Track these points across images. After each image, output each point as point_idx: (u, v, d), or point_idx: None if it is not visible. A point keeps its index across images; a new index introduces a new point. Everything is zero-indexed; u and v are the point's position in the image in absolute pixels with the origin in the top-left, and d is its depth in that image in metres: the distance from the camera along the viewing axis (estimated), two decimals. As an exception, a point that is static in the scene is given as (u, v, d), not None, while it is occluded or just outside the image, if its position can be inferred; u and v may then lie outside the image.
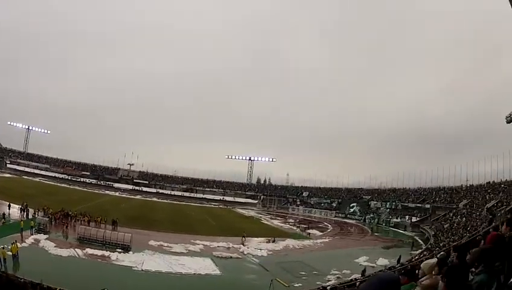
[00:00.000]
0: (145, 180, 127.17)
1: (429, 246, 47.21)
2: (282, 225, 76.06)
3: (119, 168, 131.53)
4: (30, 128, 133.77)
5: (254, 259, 39.78)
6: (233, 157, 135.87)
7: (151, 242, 40.50)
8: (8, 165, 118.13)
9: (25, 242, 33.87)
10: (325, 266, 37.20)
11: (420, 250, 46.43)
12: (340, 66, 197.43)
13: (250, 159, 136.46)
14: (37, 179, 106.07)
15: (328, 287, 19.04)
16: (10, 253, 27.58)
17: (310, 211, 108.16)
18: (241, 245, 45.17)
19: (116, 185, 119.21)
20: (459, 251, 7.77)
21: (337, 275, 33.94)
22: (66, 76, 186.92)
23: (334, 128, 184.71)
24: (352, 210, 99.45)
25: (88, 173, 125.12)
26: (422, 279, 5.43)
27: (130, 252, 35.34)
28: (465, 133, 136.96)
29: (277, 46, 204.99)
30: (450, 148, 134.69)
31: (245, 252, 42.20)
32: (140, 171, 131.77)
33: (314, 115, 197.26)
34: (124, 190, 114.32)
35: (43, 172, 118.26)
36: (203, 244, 42.99)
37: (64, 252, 32.50)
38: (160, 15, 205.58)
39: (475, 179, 76.02)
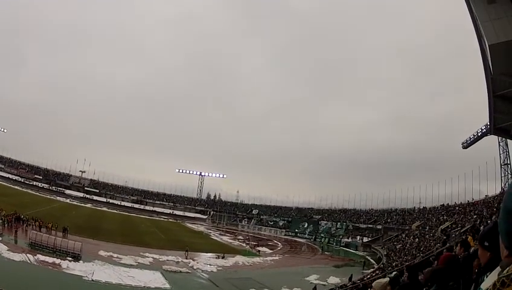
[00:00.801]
0: (96, 189, 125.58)
1: (381, 265, 48.59)
2: (232, 241, 76.12)
3: (71, 175, 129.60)
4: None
5: (204, 274, 39.75)
6: (184, 171, 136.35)
7: (101, 252, 39.92)
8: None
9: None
10: (275, 283, 37.42)
11: (372, 269, 47.64)
12: (288, 90, 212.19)
13: (200, 174, 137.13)
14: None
15: None
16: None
17: (259, 228, 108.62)
18: (191, 260, 45.13)
19: (68, 191, 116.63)
20: (411, 271, 8.13)
21: (287, 293, 34.27)
22: (23, 73, 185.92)
23: (283, 148, 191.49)
24: (302, 229, 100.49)
25: (40, 177, 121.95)
26: None
27: (81, 261, 34.84)
28: (416, 159, 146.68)
29: (229, 67, 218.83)
30: (401, 172, 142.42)
31: (194, 267, 42.12)
32: (91, 179, 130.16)
33: (264, 135, 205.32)
34: (75, 197, 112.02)
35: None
36: (152, 257, 42.79)
37: (17, 257, 31.71)
38: (118, 21, 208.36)
39: (428, 201, 79.12)
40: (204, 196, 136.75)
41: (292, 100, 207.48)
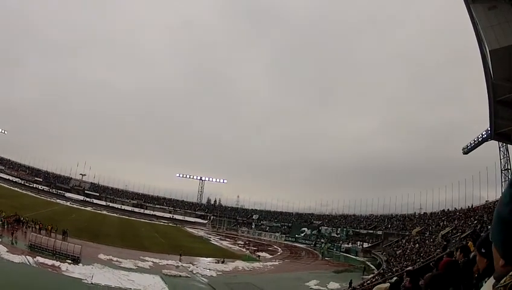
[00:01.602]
0: (96, 192, 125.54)
1: (381, 271, 48.55)
2: (232, 246, 76.11)
3: (71, 178, 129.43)
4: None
5: (203, 279, 39.72)
6: (185, 176, 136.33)
7: (101, 256, 40.13)
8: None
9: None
10: (275, 288, 37.72)
11: (372, 275, 47.60)
12: (289, 97, 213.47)
13: (201, 179, 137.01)
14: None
15: None
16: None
17: (259, 233, 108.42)
18: (191, 264, 45.11)
19: (68, 194, 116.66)
20: (412, 276, 8.10)
21: (288, 298, 34.24)
22: (23, 75, 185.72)
23: (284, 155, 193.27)
24: (303, 234, 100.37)
25: (41, 180, 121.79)
26: None
27: (80, 264, 34.98)
28: (417, 165, 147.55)
29: (229, 73, 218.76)
30: (401, 179, 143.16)
31: (194, 272, 42.14)
32: (91, 183, 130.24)
33: (264, 141, 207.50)
34: (75, 200, 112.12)
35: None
36: (152, 261, 42.93)
37: (16, 258, 31.91)
38: (128, 31, 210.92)
39: (429, 207, 79.08)
40: (204, 201, 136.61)
41: (291, 107, 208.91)
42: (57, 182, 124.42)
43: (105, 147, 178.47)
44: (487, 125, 36.53)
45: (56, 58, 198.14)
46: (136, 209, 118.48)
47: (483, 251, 2.03)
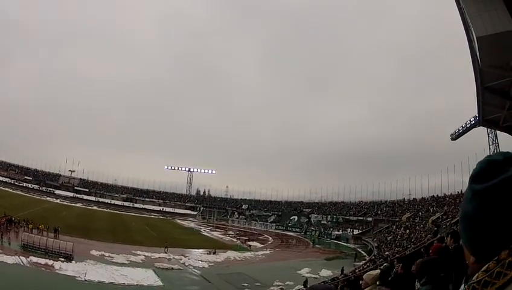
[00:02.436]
0: (86, 188, 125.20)
1: (373, 257, 49.25)
2: (223, 236, 76.46)
3: (61, 175, 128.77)
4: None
5: (195, 270, 40.01)
6: (173, 168, 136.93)
7: (93, 252, 40.05)
8: None
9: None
10: (268, 277, 37.79)
11: (364, 261, 48.26)
12: (278, 86, 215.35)
13: (189, 171, 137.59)
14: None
15: None
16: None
17: (249, 223, 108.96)
18: (182, 256, 45.30)
19: (58, 191, 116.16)
20: (404, 262, 8.32)
21: (281, 287, 34.70)
22: (7, 72, 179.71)
23: (273, 144, 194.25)
24: (293, 223, 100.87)
25: (30, 178, 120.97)
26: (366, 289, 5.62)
27: (73, 262, 35.04)
28: (406, 152, 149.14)
29: (219, 63, 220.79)
30: (390, 165, 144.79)
31: (186, 264, 42.37)
32: (81, 179, 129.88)
33: (253, 130, 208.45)
34: (65, 197, 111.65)
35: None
36: (144, 255, 43.02)
37: (10, 259, 31.77)
38: (117, 22, 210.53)
39: (418, 193, 79.83)
40: (193, 192, 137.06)
41: (282, 96, 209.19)
42: (47, 180, 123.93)
43: (94, 142, 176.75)
44: (475, 112, 36.97)
45: (42, 53, 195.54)
46: (126, 204, 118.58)
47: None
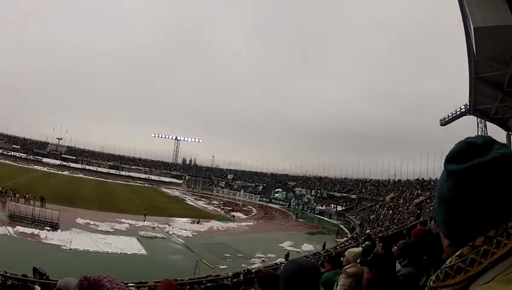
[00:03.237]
0: (73, 156, 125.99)
1: (355, 235, 50.23)
2: (207, 206, 77.20)
3: (48, 143, 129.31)
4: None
5: (179, 239, 40.81)
6: (160, 136, 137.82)
7: (79, 220, 40.57)
8: None
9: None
10: (250, 249, 38.56)
11: (346, 238, 49.36)
12: (267, 59, 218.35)
13: (176, 139, 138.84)
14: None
15: (253, 270, 19.84)
16: None
17: (234, 193, 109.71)
18: (166, 225, 46.07)
19: (45, 160, 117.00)
20: (385, 242, 8.67)
21: (262, 259, 35.47)
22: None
23: (261, 116, 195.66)
24: (277, 195, 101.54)
25: (18, 147, 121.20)
26: (346, 267, 5.65)
27: (59, 231, 35.61)
28: (393, 133, 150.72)
29: (209, 34, 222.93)
30: (377, 145, 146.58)
31: (170, 233, 43.10)
32: (68, 146, 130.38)
33: (242, 102, 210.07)
34: (52, 165, 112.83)
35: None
36: (128, 223, 43.69)
37: None
38: None
39: (403, 175, 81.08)
40: (179, 161, 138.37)
41: (271, 69, 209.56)
42: (34, 148, 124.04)
43: (82, 110, 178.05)
44: (466, 100, 37.45)
45: (30, 23, 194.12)
46: (112, 171, 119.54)
47: None
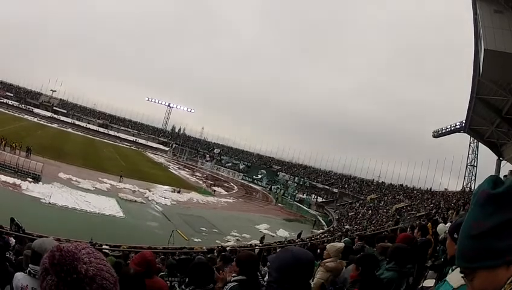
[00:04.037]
0: (64, 109, 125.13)
1: (331, 228, 50.92)
2: (189, 177, 77.59)
3: (42, 93, 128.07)
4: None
5: (158, 207, 41.15)
6: (153, 100, 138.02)
7: (61, 175, 40.73)
8: None
9: None
10: (226, 226, 38.97)
11: (322, 230, 50.01)
12: (271, 41, 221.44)
13: (169, 106, 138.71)
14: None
15: (228, 248, 20.22)
16: None
17: (218, 168, 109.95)
18: (147, 190, 46.29)
19: (36, 110, 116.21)
20: (368, 242, 8.73)
21: (237, 238, 35.93)
22: None
23: (256, 95, 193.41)
24: (260, 176, 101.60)
25: (12, 95, 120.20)
26: (326, 261, 5.70)
27: (40, 183, 35.72)
28: (383, 134, 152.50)
29: (218, 5, 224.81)
30: (366, 143, 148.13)
31: (150, 198, 43.33)
32: (61, 99, 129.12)
33: (239, 79, 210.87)
34: (43, 117, 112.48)
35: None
36: (110, 184, 43.75)
37: None
38: None
39: (388, 178, 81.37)
40: (169, 128, 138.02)
41: (273, 52, 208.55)
42: (28, 98, 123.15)
43: (79, 65, 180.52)
44: (462, 117, 37.86)
45: None
46: (101, 130, 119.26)
47: (455, 236, 2.12)
